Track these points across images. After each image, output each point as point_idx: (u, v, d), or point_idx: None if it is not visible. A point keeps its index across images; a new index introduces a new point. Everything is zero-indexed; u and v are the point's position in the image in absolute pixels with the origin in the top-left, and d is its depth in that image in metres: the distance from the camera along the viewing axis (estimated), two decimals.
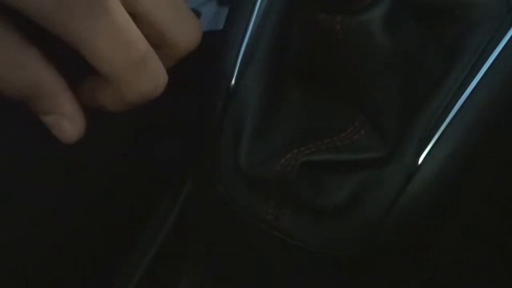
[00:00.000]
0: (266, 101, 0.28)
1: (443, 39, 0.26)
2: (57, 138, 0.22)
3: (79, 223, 0.33)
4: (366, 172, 0.26)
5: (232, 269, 0.32)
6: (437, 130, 0.25)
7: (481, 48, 0.25)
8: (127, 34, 0.20)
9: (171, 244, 0.33)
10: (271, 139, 0.28)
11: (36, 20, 0.19)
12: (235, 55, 0.28)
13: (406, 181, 0.25)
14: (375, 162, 0.26)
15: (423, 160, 0.25)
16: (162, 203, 0.34)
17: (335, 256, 0.27)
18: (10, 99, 0.21)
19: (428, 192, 0.25)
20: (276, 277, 0.30)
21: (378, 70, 0.25)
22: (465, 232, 0.29)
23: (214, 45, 0.29)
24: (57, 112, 0.21)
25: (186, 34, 0.23)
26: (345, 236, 0.27)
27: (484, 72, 0.25)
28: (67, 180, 0.32)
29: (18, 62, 0.20)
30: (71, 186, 0.32)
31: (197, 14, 0.34)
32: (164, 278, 0.34)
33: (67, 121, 0.22)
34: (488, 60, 0.25)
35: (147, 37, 0.21)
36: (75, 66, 0.21)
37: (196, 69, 0.28)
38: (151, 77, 0.21)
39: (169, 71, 0.22)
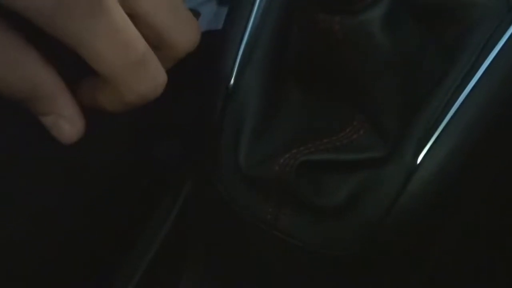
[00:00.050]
0: (265, 101, 0.28)
1: (443, 39, 0.26)
2: (57, 139, 0.22)
3: (79, 223, 0.33)
4: (366, 172, 0.26)
5: (232, 269, 0.32)
6: (436, 130, 0.25)
7: (480, 47, 0.25)
8: (126, 35, 0.20)
9: (171, 244, 0.33)
10: (270, 139, 0.28)
11: (36, 22, 0.19)
12: (234, 55, 0.28)
13: (405, 181, 0.25)
14: (375, 162, 0.26)
15: (422, 160, 0.25)
16: (162, 203, 0.34)
17: (335, 256, 0.27)
18: (9, 100, 0.21)
19: (428, 192, 0.25)
20: (276, 277, 0.30)
21: (378, 70, 0.25)
22: (465, 232, 0.29)
23: (213, 45, 0.29)
24: (56, 113, 0.21)
25: (185, 35, 0.23)
26: (345, 236, 0.27)
27: (483, 71, 0.25)
28: (67, 180, 0.32)
29: (17, 63, 0.20)
30: (71, 186, 0.32)
31: (197, 14, 0.34)
32: (164, 278, 0.34)
33: (66, 122, 0.22)
34: (487, 59, 0.25)
35: (146, 39, 0.21)
36: (74, 66, 0.21)
37: (195, 69, 0.28)
38: (151, 78, 0.21)
39: (169, 71, 0.22)
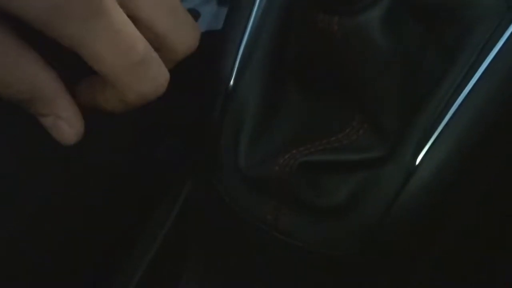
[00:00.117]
0: (265, 101, 0.28)
1: (442, 39, 0.26)
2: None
3: (79, 223, 0.33)
4: (365, 172, 0.26)
5: (232, 269, 0.32)
6: (435, 130, 0.25)
7: (480, 47, 0.25)
8: (126, 36, 0.20)
9: (171, 244, 0.33)
10: (270, 139, 0.28)
11: (36, 25, 0.19)
12: (234, 55, 0.28)
13: (405, 181, 0.25)
14: (374, 162, 0.26)
15: (421, 160, 0.25)
16: (162, 203, 0.34)
17: (335, 256, 0.27)
18: (9, 101, 0.21)
19: (427, 192, 0.25)
20: (276, 277, 0.30)
21: (378, 70, 0.25)
22: (465, 232, 0.29)
23: (213, 45, 0.29)
24: (55, 114, 0.21)
25: (184, 38, 0.22)
26: (345, 236, 0.27)
27: (482, 72, 0.25)
28: (67, 180, 0.32)
29: (16, 65, 0.20)
30: (71, 186, 0.32)
31: (197, 14, 0.34)
32: (164, 278, 0.34)
33: (65, 123, 0.22)
34: (487, 59, 0.25)
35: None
36: (74, 67, 0.21)
37: (195, 69, 0.28)
38: (151, 79, 0.21)
39: (169, 72, 0.22)
